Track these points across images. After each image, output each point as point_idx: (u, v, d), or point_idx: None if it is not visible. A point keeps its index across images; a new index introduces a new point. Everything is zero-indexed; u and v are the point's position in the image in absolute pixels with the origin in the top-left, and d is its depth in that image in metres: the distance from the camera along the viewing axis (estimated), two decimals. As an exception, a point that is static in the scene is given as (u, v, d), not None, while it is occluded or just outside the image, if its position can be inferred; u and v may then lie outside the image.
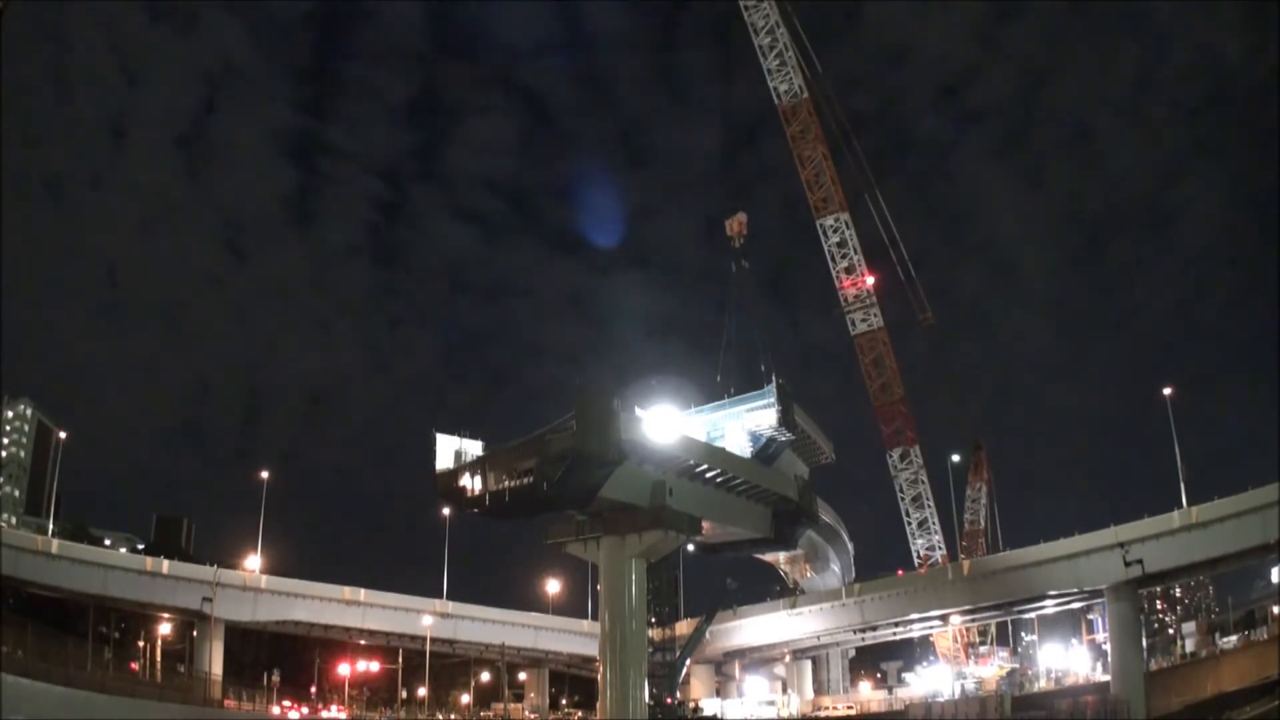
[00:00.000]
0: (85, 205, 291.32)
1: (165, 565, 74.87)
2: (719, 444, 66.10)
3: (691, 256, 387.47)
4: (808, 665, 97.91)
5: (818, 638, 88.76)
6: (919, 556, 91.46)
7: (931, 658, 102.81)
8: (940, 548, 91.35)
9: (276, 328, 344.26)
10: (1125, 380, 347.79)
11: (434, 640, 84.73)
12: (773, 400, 65.65)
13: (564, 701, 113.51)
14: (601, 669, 59.50)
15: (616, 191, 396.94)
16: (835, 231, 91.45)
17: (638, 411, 59.52)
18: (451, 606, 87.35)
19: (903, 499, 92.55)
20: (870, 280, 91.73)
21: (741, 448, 65.90)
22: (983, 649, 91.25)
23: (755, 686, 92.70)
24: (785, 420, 65.19)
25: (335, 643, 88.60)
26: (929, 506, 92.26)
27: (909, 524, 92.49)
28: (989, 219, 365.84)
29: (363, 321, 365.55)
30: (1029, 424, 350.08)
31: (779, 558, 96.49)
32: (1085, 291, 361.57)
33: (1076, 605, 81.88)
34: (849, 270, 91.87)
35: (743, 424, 66.67)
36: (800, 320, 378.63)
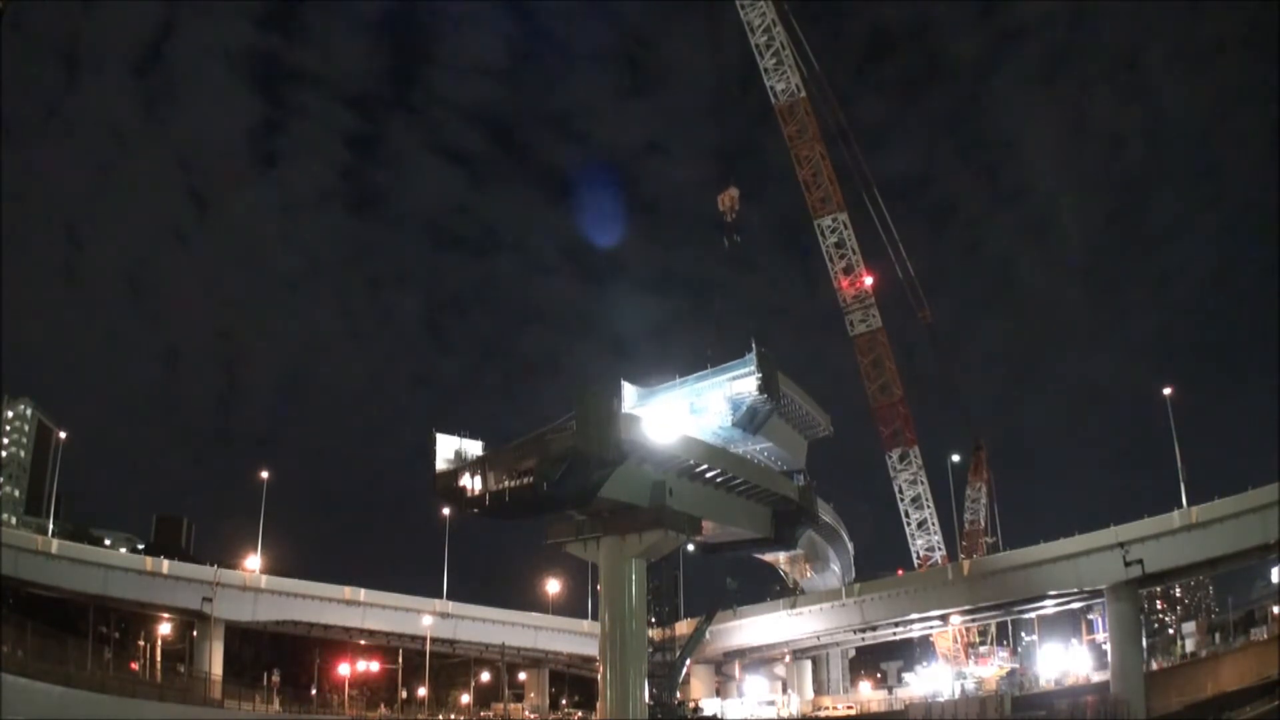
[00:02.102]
0: (41, 147, 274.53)
1: (165, 565, 74.96)
2: (702, 415, 65.83)
3: (696, 201, 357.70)
4: (808, 665, 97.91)
5: (818, 638, 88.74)
6: (919, 557, 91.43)
7: (931, 658, 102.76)
8: (940, 548, 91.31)
9: (246, 291, 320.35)
10: (1152, 358, 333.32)
11: (434, 640, 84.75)
12: (753, 368, 64.61)
13: (564, 701, 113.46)
14: (601, 669, 59.51)
15: (616, 124, 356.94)
16: (833, 232, 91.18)
17: (631, 390, 58.82)
18: (451, 606, 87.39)
19: (902, 500, 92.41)
20: (869, 280, 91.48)
21: (723, 415, 65.30)
22: (983, 649, 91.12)
23: (755, 686, 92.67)
24: (766, 387, 64.10)
25: (335, 643, 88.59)
26: (929, 507, 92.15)
27: (908, 524, 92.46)
28: (1025, 162, 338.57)
29: (337, 282, 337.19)
30: (1045, 406, 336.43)
31: (779, 558, 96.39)
32: (1122, 253, 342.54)
33: (1076, 605, 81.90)
34: (847, 270, 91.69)
35: (724, 393, 65.83)
36: (819, 281, 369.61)
